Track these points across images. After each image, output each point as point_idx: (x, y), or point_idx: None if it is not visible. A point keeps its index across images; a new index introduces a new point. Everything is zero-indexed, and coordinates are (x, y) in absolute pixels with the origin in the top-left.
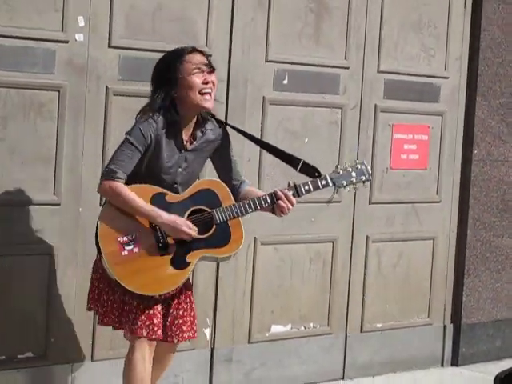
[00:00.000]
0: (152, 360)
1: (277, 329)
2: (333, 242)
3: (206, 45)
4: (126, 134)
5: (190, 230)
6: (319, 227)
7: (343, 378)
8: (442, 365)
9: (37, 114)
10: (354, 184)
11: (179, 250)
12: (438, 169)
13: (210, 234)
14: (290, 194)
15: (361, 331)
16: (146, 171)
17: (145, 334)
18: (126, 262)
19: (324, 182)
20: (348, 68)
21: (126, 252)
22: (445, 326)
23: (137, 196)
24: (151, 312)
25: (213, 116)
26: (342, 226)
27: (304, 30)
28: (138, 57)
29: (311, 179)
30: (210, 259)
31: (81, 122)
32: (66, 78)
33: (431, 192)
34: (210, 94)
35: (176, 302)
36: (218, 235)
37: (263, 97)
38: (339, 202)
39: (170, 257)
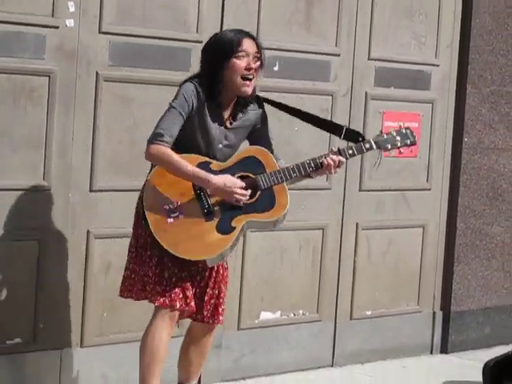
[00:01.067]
0: (187, 344)
1: (266, 316)
2: (323, 230)
3: (197, 31)
4: (170, 101)
5: (241, 190)
6: (309, 214)
7: (332, 365)
8: (432, 352)
9: (27, 99)
10: (398, 147)
11: (224, 216)
12: (428, 156)
13: (254, 199)
14: (334, 156)
15: (350, 318)
16: (188, 142)
17: (178, 305)
18: (172, 228)
19: (368, 146)
20: (339, 55)
21: (171, 219)
22: (434, 314)
23: (184, 160)
24: (183, 285)
25: (256, 96)
26: (331, 213)
27: (295, 17)
28: (129, 42)
29: (355, 144)
30: (257, 225)
31: (71, 107)
32: (56, 64)
33: (421, 180)
34: (250, 80)
35: (213, 281)
36: (263, 201)
37: None
38: (329, 189)
39: (216, 222)
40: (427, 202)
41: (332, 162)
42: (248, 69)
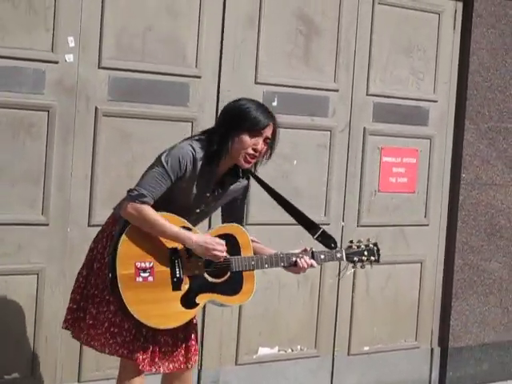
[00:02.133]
0: (163, 381)
1: (264, 351)
2: (321, 265)
3: (196, 66)
4: (163, 157)
5: (222, 247)
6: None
7: None
8: None
9: (26, 134)
10: (363, 262)
11: (191, 289)
12: (426, 192)
13: (223, 279)
14: (307, 259)
15: (348, 354)
16: (164, 199)
17: (147, 368)
18: (138, 288)
19: (339, 255)
20: (337, 91)
21: (140, 279)
22: (432, 350)
23: (166, 221)
24: (152, 342)
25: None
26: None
27: (293, 52)
28: (128, 77)
29: (327, 250)
30: (215, 303)
31: (70, 142)
32: (55, 99)
33: (419, 215)
34: (253, 158)
35: (183, 325)
36: (230, 283)
37: None
38: (328, 224)
39: (181, 294)
40: (425, 238)
41: (305, 265)
42: (255, 149)
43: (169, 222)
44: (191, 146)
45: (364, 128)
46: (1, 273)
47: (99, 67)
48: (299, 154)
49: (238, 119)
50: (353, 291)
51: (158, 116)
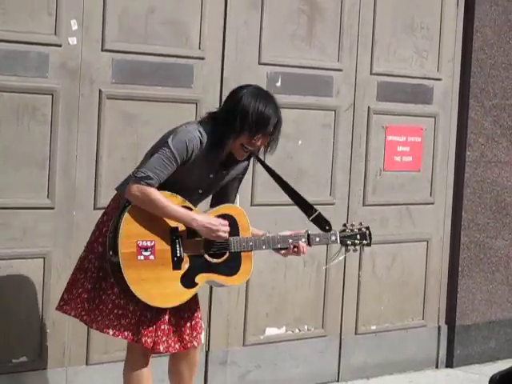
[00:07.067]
0: (171, 360)
1: (271, 331)
2: (327, 245)
3: (199, 48)
4: (169, 140)
5: (226, 228)
6: (313, 229)
7: (338, 381)
8: (437, 366)
9: (30, 117)
10: (355, 245)
11: (191, 269)
12: (431, 170)
13: (222, 260)
14: (302, 243)
15: (355, 333)
16: (171, 179)
17: (155, 350)
18: (140, 267)
19: (334, 238)
20: (341, 70)
21: (142, 257)
22: (439, 328)
23: (170, 203)
24: (158, 323)
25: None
26: (335, 228)
27: (297, 32)
28: (132, 60)
29: (322, 232)
30: (213, 283)
31: (74, 125)
32: (59, 82)
33: (425, 194)
34: (247, 152)
35: (187, 304)
36: (229, 263)
37: None
38: (333, 204)
39: (181, 273)
40: (431, 216)
41: (301, 249)
42: (252, 144)
43: (171, 203)
44: (198, 130)
45: (368, 107)
46: (7, 257)
47: (102, 50)
48: (304, 134)
49: (244, 117)
50: (359, 271)
51: (162, 98)
